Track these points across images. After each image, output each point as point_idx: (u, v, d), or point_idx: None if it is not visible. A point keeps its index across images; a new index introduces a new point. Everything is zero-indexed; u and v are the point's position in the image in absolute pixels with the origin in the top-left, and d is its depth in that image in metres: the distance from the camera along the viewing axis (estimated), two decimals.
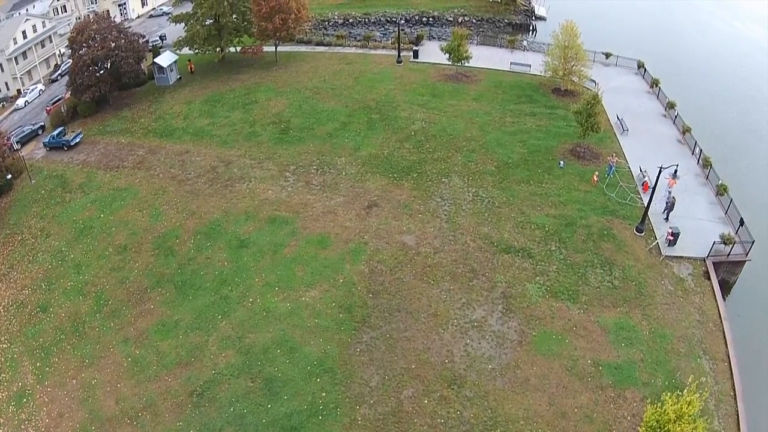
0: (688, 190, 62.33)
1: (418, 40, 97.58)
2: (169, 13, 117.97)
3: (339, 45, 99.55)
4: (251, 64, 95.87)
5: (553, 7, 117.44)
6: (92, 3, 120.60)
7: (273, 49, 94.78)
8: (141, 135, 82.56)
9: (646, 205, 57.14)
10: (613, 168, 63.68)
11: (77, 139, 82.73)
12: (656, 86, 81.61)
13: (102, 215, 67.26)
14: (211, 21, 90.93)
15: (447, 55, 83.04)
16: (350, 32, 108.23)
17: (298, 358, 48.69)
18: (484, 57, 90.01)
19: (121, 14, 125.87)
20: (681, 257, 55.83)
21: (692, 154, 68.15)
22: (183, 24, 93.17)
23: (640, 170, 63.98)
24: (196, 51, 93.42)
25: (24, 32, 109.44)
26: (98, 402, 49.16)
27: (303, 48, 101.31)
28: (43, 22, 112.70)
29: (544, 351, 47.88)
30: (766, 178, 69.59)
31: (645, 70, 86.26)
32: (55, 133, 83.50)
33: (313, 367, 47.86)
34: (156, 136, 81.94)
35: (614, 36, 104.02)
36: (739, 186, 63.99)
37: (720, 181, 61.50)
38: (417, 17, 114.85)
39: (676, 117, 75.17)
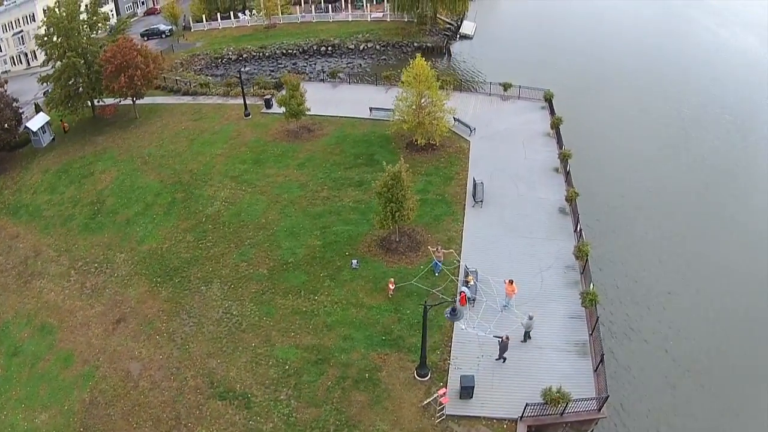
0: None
1: (332, 76, 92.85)
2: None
3: (203, 93, 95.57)
4: (113, 123, 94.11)
5: (486, 25, 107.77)
6: (21, 44, 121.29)
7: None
8: None
9: (422, 343, 43.24)
10: (439, 266, 52.23)
11: None
12: (557, 127, 70.20)
13: None
14: (71, 82, 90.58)
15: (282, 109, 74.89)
16: (225, 74, 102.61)
17: None
18: (348, 101, 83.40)
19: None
20: (477, 418, 42.01)
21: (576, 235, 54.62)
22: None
23: (466, 270, 51.68)
24: (59, 113, 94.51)
25: None
26: None
27: (166, 99, 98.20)
28: None
29: None
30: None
31: (551, 104, 75.33)
32: None
33: None
34: (5, 213, 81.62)
35: (553, 56, 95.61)
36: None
37: (592, 287, 48.39)
38: (316, 47, 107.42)
39: (567, 174, 63.36)
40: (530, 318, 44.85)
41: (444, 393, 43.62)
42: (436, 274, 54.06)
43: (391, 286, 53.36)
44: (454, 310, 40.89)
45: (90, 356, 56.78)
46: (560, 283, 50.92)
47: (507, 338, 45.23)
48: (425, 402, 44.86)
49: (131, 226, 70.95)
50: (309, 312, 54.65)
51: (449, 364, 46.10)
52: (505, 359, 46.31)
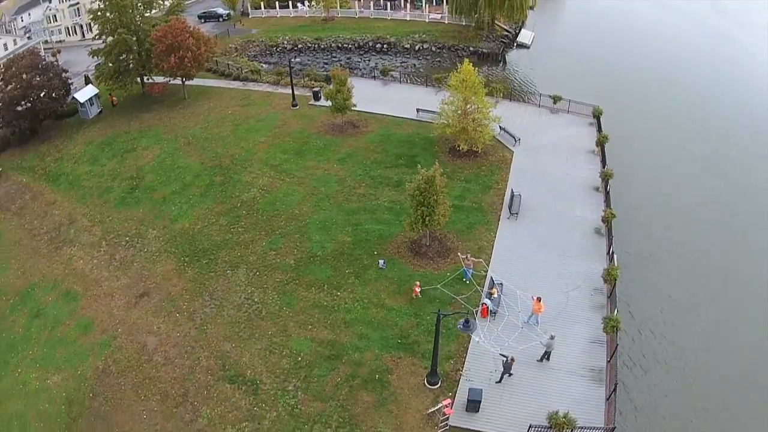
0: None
1: (384, 74, 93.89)
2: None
3: (254, 80, 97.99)
4: (161, 101, 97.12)
5: (544, 35, 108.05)
6: (76, 15, 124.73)
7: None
8: (37, 176, 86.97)
9: (434, 350, 44.33)
10: (470, 273, 53.26)
11: None
12: (602, 145, 70.39)
13: None
14: (122, 57, 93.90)
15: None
16: (279, 62, 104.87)
17: None
18: (397, 100, 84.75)
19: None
20: None
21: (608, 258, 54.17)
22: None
23: (492, 282, 52.25)
24: (108, 87, 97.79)
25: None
26: None
27: (216, 83, 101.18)
28: (15, 40, 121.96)
29: None
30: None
31: (599, 121, 75.57)
32: None
33: None
34: (46, 179, 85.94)
35: (609, 71, 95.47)
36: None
37: (616, 313, 48.54)
38: (371, 43, 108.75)
39: (607, 194, 63.54)
40: (551, 338, 45.22)
41: (448, 404, 44.72)
42: (468, 282, 55.09)
43: (417, 289, 54.55)
44: (467, 321, 41.69)
45: (109, 326, 59.46)
46: (585, 305, 51.16)
47: (512, 360, 44.64)
48: (430, 410, 45.73)
49: (167, 204, 73.48)
50: (329, 307, 56.03)
51: (461, 375, 46.66)
52: (501, 380, 47.10)
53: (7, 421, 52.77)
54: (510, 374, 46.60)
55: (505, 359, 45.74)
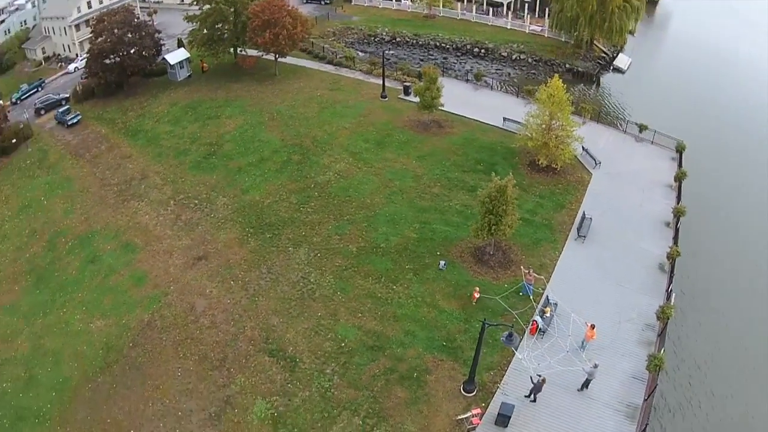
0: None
1: (477, 79, 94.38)
2: None
3: (347, 66, 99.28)
4: (251, 74, 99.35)
5: (642, 62, 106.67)
6: None
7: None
8: (117, 129, 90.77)
9: (474, 357, 44.50)
10: (530, 288, 53.37)
11: (74, 121, 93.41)
12: (680, 181, 69.07)
13: (43, 198, 76.93)
14: (217, 26, 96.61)
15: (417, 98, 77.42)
16: (374, 53, 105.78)
17: (54, 375, 54.46)
18: (485, 106, 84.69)
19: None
20: None
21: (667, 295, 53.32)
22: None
23: (546, 301, 52.26)
24: (199, 53, 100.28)
25: (89, 3, 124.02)
26: None
27: (309, 63, 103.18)
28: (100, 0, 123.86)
29: None
30: None
31: (681, 156, 74.15)
32: (62, 110, 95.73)
33: (58, 392, 52.75)
34: (125, 133, 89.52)
35: (702, 105, 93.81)
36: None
37: (662, 352, 47.56)
38: (469, 46, 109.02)
39: (677, 231, 62.53)
40: (595, 366, 44.68)
41: (478, 413, 44.84)
42: (529, 295, 54.66)
43: (476, 295, 54.46)
44: (510, 335, 41.61)
45: (163, 282, 61.24)
46: (634, 339, 50.46)
47: (543, 380, 44.20)
48: (459, 417, 45.49)
49: (241, 174, 75.23)
50: (382, 299, 56.41)
51: (497, 387, 46.63)
52: (535, 400, 46.52)
53: (42, 356, 55.58)
54: (534, 399, 46.35)
55: (538, 378, 45.33)
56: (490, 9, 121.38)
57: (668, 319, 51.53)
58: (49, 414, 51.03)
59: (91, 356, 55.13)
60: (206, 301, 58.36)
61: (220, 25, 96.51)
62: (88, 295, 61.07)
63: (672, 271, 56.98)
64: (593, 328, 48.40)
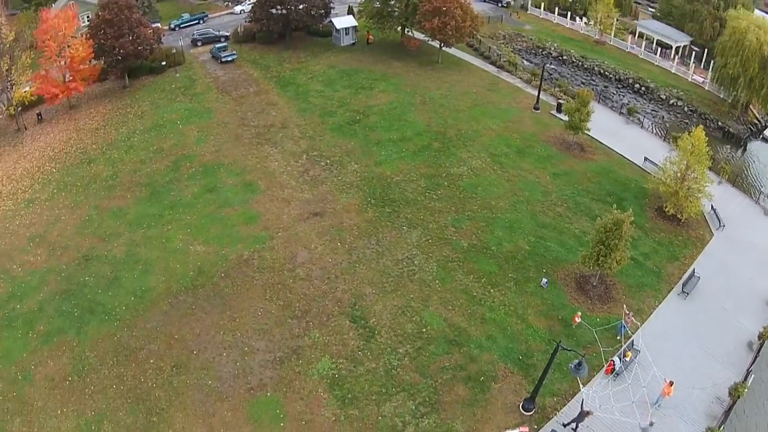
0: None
1: (630, 113, 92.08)
2: None
3: (508, 71, 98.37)
4: (413, 55, 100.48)
5: None
6: None
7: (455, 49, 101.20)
8: (269, 77, 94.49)
9: (541, 377, 43.96)
10: (626, 329, 51.57)
11: (229, 58, 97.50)
12: None
13: (179, 122, 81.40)
14: (391, 2, 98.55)
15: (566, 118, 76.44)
16: (539, 65, 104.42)
17: (139, 282, 57.63)
18: (630, 141, 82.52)
19: None
20: None
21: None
22: None
23: (631, 345, 50.68)
24: (366, 24, 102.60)
25: None
26: None
27: (472, 59, 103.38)
28: None
29: None
30: None
31: None
32: (219, 46, 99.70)
33: (137, 298, 55.42)
34: (276, 82, 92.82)
35: None
36: None
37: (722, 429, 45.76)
38: (631, 81, 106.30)
39: None
40: (650, 424, 43.75)
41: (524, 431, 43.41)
42: (620, 337, 52.62)
43: (577, 320, 52.88)
44: (580, 363, 40.47)
45: (272, 226, 62.94)
46: (700, 408, 47.85)
47: (588, 413, 43.64)
48: (506, 431, 44.55)
49: (378, 147, 76.12)
50: (476, 299, 55.71)
51: (554, 415, 45.31)
52: (576, 429, 44.62)
53: (134, 262, 58.51)
54: (577, 424, 44.36)
55: (586, 412, 43.77)
56: (659, 49, 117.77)
57: (739, 397, 48.69)
58: (120, 315, 53.29)
59: (181, 274, 57.05)
60: (308, 255, 59.17)
61: (392, 2, 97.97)
62: (197, 220, 63.35)
63: (758, 352, 53.89)
64: (671, 385, 46.41)
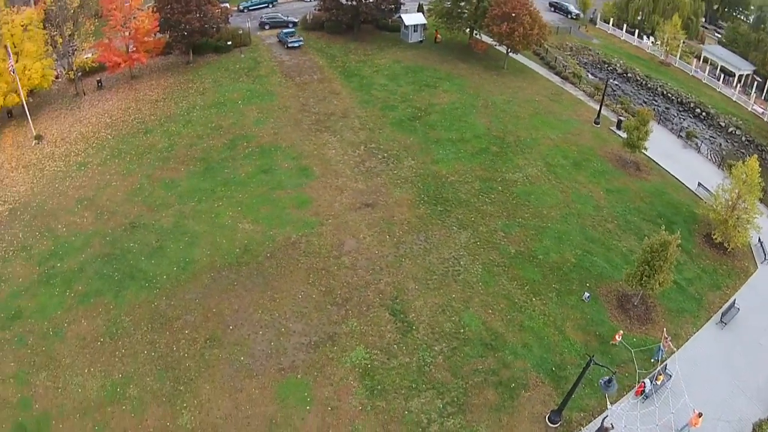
0: None
1: (688, 137, 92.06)
2: None
3: (572, 83, 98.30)
4: (479, 59, 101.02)
5: None
6: None
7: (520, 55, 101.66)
8: (334, 66, 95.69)
9: (570, 389, 44.37)
10: (662, 352, 51.71)
11: (295, 44, 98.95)
12: None
13: (240, 102, 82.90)
14: (461, 3, 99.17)
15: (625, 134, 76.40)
16: (603, 79, 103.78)
17: (184, 253, 59.41)
18: (686, 165, 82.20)
19: None
20: None
21: None
22: None
23: (664, 369, 50.43)
24: (435, 23, 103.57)
25: None
26: None
27: (537, 67, 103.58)
28: None
29: None
30: None
31: None
32: (286, 31, 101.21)
33: (179, 269, 57.23)
34: (341, 72, 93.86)
35: None
36: None
37: None
38: (692, 105, 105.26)
39: None
40: None
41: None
42: (655, 360, 52.64)
43: (618, 338, 52.49)
44: (610, 380, 40.82)
45: (323, 212, 63.95)
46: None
47: (611, 427, 43.63)
48: None
49: (437, 145, 76.71)
50: (517, 305, 56.04)
51: (580, 429, 45.61)
52: None
53: (180, 233, 60.22)
54: None
55: (608, 426, 44.18)
56: (722, 75, 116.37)
57: None
58: (161, 283, 54.86)
59: (226, 250, 58.45)
60: (356, 244, 60.02)
61: (463, 4, 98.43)
62: (248, 199, 64.64)
63: None
64: (700, 416, 45.95)
